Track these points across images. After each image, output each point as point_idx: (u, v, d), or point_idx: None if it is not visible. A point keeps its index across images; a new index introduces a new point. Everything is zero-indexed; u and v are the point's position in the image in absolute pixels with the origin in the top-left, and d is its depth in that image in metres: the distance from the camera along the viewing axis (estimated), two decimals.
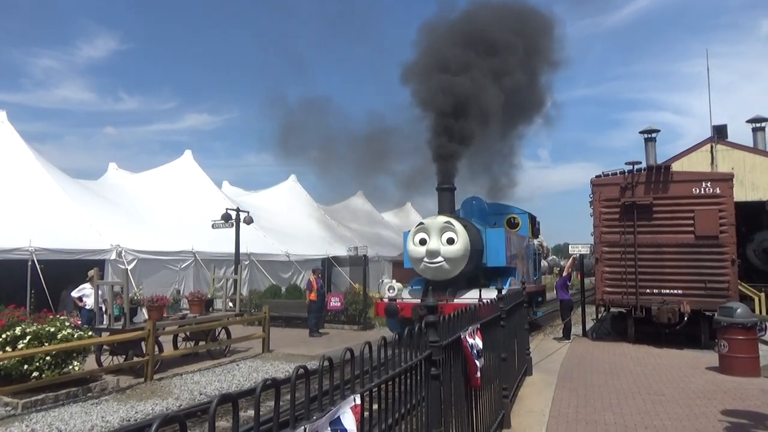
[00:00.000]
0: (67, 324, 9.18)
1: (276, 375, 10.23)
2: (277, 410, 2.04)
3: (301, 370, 2.29)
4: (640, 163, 13.58)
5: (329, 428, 2.27)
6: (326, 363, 2.42)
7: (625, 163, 14.03)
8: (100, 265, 14.93)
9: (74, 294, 12.24)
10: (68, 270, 14.87)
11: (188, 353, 11.66)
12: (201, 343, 11.99)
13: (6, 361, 8.21)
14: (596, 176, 13.66)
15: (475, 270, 12.03)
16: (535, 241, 17.32)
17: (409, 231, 12.11)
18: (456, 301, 10.87)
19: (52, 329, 8.81)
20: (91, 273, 11.81)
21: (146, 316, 11.18)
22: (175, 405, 8.20)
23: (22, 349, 8.31)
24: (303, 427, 2.12)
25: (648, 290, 12.50)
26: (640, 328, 12.69)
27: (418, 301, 11.24)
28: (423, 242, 11.34)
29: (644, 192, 12.80)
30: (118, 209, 19.96)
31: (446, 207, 12.06)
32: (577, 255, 15.70)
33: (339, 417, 2.36)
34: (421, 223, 11.69)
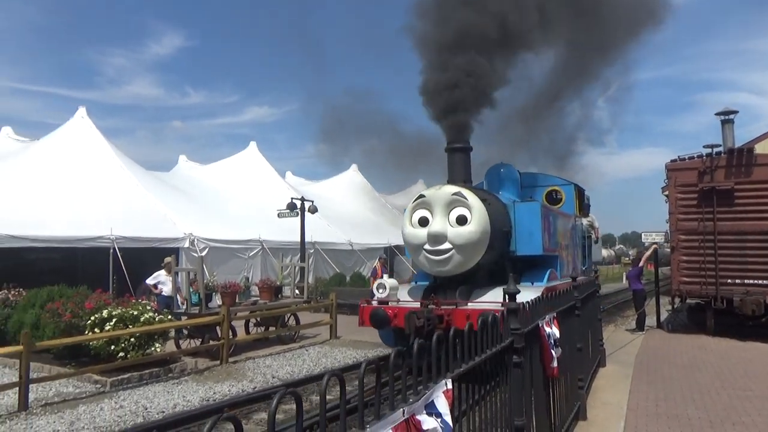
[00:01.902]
0: (148, 308, 9.66)
1: (345, 361, 10.41)
2: (379, 391, 2.06)
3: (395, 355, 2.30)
4: (719, 146, 12.73)
5: (425, 411, 2.28)
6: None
7: (703, 147, 12.73)
8: (175, 253, 15.59)
9: (149, 281, 12.89)
10: (145, 257, 15.62)
11: (259, 338, 12.03)
12: (271, 328, 12.34)
13: (95, 342, 8.75)
14: (671, 161, 13.02)
15: (500, 260, 8.48)
16: (584, 221, 12.82)
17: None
18: (470, 305, 7.62)
19: (136, 312, 9.29)
20: (167, 260, 12.35)
21: (220, 302, 11.61)
22: (250, 387, 8.49)
23: (109, 330, 8.82)
24: (402, 409, 2.15)
25: (729, 280, 11.82)
26: (720, 319, 12.05)
27: (417, 305, 8.04)
28: (424, 222, 7.94)
29: (725, 176, 12.09)
30: (190, 199, 20.77)
31: (459, 174, 8.53)
32: (648, 243, 15.08)
33: (433, 401, 2.37)
34: (422, 196, 8.10)
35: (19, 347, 7.54)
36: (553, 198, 11.50)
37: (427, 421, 2.22)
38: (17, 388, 7.40)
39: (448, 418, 2.35)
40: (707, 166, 12.22)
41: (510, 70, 9.94)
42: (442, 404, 2.40)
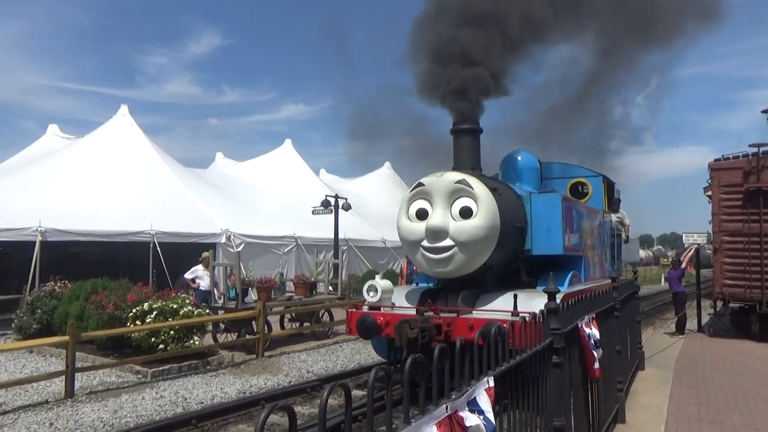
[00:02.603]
0: (187, 302, 9.89)
1: (377, 357, 10.45)
2: (424, 385, 2.08)
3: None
4: (766, 145, 12.27)
5: (467, 408, 2.28)
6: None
7: (749, 146, 12.27)
8: (212, 248, 15.90)
9: (187, 276, 13.18)
10: (183, 252, 15.98)
11: (294, 333, 12.18)
12: (306, 324, 12.48)
13: (137, 334, 9.00)
14: (715, 160, 12.63)
15: (513, 261, 7.35)
16: (613, 217, 11.41)
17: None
18: (474, 314, 6.68)
19: (175, 306, 9.52)
20: (205, 255, 12.61)
21: (255, 297, 11.80)
22: (285, 381, 8.61)
23: (149, 323, 9.06)
24: (444, 405, 2.15)
25: None
26: (766, 324, 11.66)
27: (414, 311, 7.01)
28: (422, 215, 6.85)
29: None
30: (227, 196, 21.14)
31: (465, 159, 7.42)
32: (689, 244, 14.67)
33: (475, 398, 2.37)
34: (420, 184, 6.99)
35: (66, 337, 7.81)
36: (578, 191, 10.26)
37: (470, 418, 2.22)
38: (64, 377, 7.67)
39: (491, 416, 2.35)
40: (753, 166, 11.81)
41: (533, 56, 9.01)
42: (485, 402, 2.40)
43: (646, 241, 75.83)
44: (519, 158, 9.16)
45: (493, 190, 6.80)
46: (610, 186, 11.01)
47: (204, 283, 12.19)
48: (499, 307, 6.58)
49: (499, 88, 8.13)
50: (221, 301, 11.36)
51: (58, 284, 11.98)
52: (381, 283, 7.38)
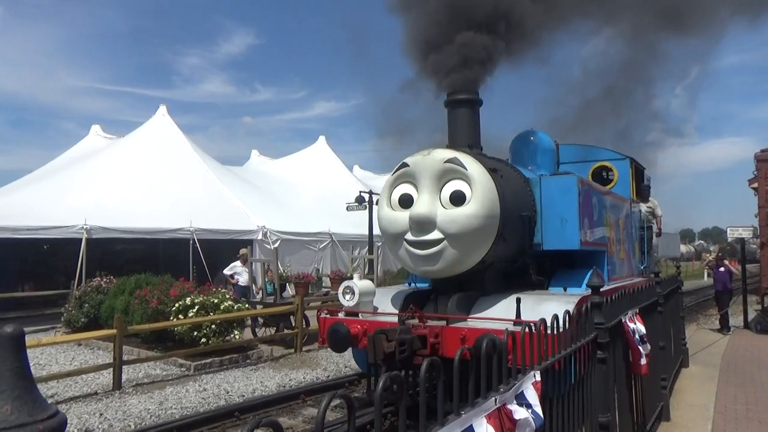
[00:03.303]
0: (227, 297, 10.10)
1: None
2: (477, 379, 2.09)
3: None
4: None
5: (515, 401, 2.29)
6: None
7: None
8: (249, 244, 16.18)
9: (226, 272, 13.43)
10: (221, 248, 16.31)
11: None
12: None
13: (180, 328, 9.25)
14: (761, 151, 12.22)
15: (518, 257, 6.20)
16: (643, 207, 9.99)
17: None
18: (470, 322, 5.41)
19: (216, 301, 9.73)
20: (243, 251, 12.84)
21: (293, 292, 11.97)
22: (324, 375, 8.72)
23: (192, 317, 9.29)
24: (493, 398, 2.17)
25: None
26: None
27: (393, 319, 5.74)
28: (407, 202, 5.61)
29: None
30: (262, 193, 21.46)
31: (461, 136, 6.16)
32: (733, 238, 14.22)
33: (523, 391, 2.37)
34: (404, 164, 5.74)
35: (113, 331, 8.08)
36: (602, 177, 9.06)
37: (519, 411, 2.23)
38: (112, 369, 7.95)
39: (539, 409, 2.35)
40: None
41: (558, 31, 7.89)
42: (532, 395, 2.40)
43: (686, 236, 73.79)
44: (531, 138, 7.80)
45: (492, 170, 5.50)
46: (638, 171, 9.81)
47: (242, 279, 12.42)
48: (500, 313, 5.36)
49: (507, 56, 6.96)
50: (259, 297, 11.56)
51: (104, 280, 12.38)
52: (359, 283, 6.10)
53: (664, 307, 6.63)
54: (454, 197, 5.38)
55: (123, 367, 8.11)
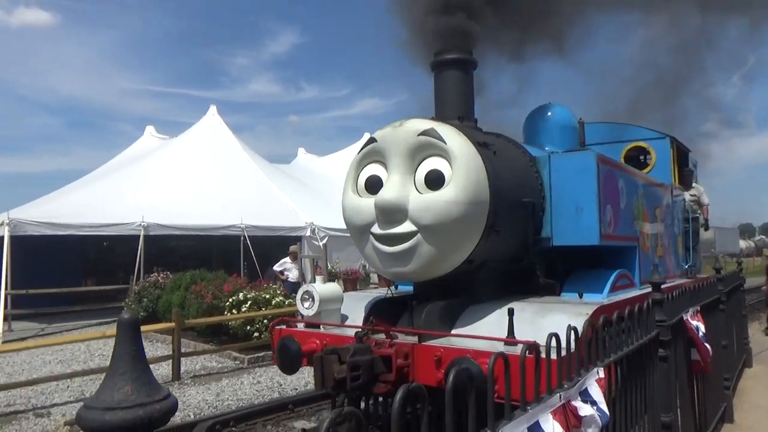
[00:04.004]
0: (278, 292, 10.33)
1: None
2: (539, 374, 2.09)
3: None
4: None
5: (579, 398, 2.27)
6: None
7: None
8: (298, 241, 16.46)
9: (276, 268, 13.69)
10: (271, 245, 16.66)
11: None
12: None
13: (234, 322, 9.52)
14: None
15: (521, 255, 4.91)
16: (687, 195, 8.51)
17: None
18: (450, 340, 4.17)
19: (267, 296, 9.97)
20: (293, 248, 13.09)
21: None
22: None
23: (245, 312, 9.55)
24: (558, 394, 2.16)
25: None
26: None
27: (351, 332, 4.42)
28: (375, 187, 4.48)
29: None
30: (310, 190, 21.79)
31: (451, 107, 5.02)
32: None
33: (587, 388, 2.36)
34: (372, 140, 4.65)
35: (172, 324, 8.39)
36: (637, 160, 7.80)
37: (584, 408, 2.21)
38: (171, 361, 8.26)
39: (604, 407, 2.33)
40: None
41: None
42: (596, 392, 2.38)
43: (746, 231, 70.59)
44: (548, 114, 6.43)
45: (480, 145, 4.34)
46: (681, 152, 8.35)
47: (292, 275, 12.66)
48: (492, 326, 4.04)
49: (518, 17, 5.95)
50: None
51: (161, 275, 12.85)
52: (321, 288, 4.87)
53: (726, 305, 6.40)
54: (430, 179, 4.18)
55: (181, 359, 8.41)
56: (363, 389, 3.99)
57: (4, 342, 11.30)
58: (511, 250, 4.78)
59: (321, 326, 4.79)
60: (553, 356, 2.29)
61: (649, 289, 4.95)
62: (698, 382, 4.92)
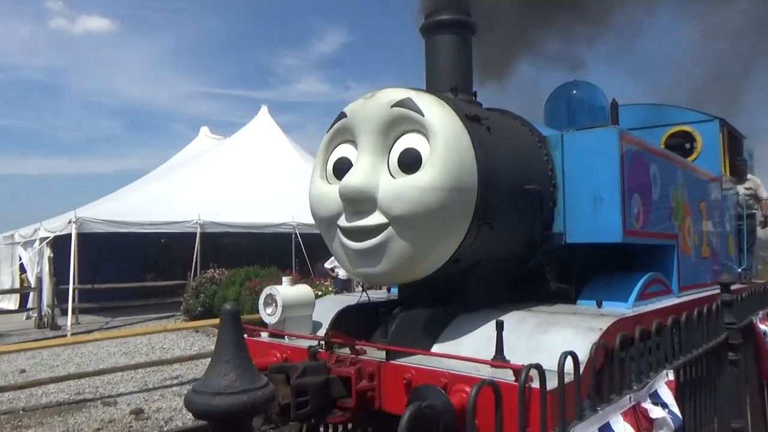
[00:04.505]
0: (330, 289, 10.49)
1: None
2: (607, 375, 2.07)
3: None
4: None
5: (649, 400, 2.23)
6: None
7: None
8: None
9: (327, 265, 13.86)
10: (321, 242, 16.84)
11: None
12: None
13: None
14: None
15: (527, 254, 4.19)
16: (741, 189, 7.60)
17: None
18: (426, 359, 3.21)
19: (320, 293, 10.13)
20: None
21: None
22: None
23: None
24: (628, 396, 2.13)
25: None
26: None
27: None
28: (344, 170, 3.58)
29: None
30: None
31: (443, 76, 4.29)
32: None
33: (656, 390, 2.31)
34: (342, 115, 3.80)
35: None
36: (681, 147, 6.73)
37: (655, 410, 2.17)
38: None
39: (676, 409, 2.28)
40: None
41: None
42: (666, 394, 2.33)
43: None
44: (573, 92, 5.61)
45: (470, 119, 3.58)
46: (733, 138, 7.28)
47: (342, 272, 12.81)
48: (482, 341, 3.30)
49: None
50: (359, 289, 11.88)
51: (216, 271, 13.26)
52: (285, 292, 4.20)
53: None
54: (405, 160, 3.45)
55: None
56: (320, 416, 3.26)
57: (73, 334, 11.95)
58: (513, 248, 4.08)
59: (285, 336, 4.03)
60: (552, 384, 1.95)
61: (690, 297, 4.76)
62: (766, 388, 4.72)
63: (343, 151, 3.79)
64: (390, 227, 3.34)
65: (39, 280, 15.08)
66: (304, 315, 4.19)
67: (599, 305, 3.90)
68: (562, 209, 4.22)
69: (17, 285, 17.23)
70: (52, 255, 14.59)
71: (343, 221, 3.56)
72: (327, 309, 4.21)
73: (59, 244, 14.55)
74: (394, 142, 3.52)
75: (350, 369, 3.22)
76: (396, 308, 3.94)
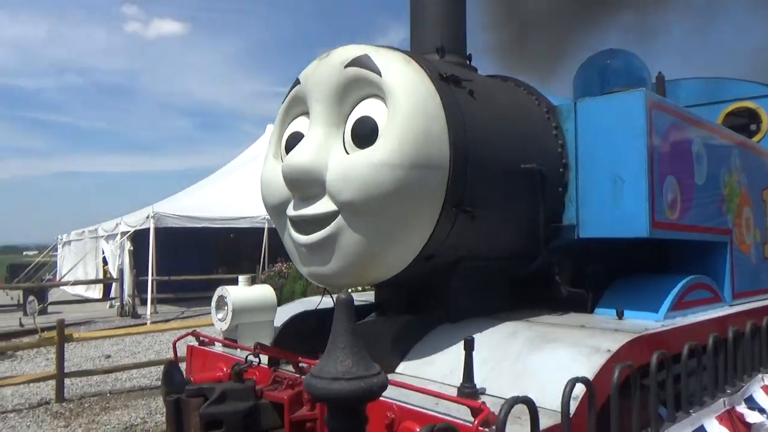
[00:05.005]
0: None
1: None
2: (700, 378, 2.02)
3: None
4: None
5: (744, 404, 2.16)
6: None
7: None
8: None
9: None
10: None
11: None
12: None
13: None
14: None
15: (528, 251, 3.36)
16: None
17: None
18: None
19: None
20: None
21: None
22: None
23: None
24: (722, 399, 2.07)
25: None
26: None
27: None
28: (293, 142, 2.99)
29: None
30: None
31: (429, 33, 3.47)
32: None
33: (752, 395, 2.23)
34: (296, 82, 3.11)
35: None
36: (743, 128, 5.57)
37: (751, 415, 2.09)
38: None
39: None
40: None
41: None
42: (763, 399, 2.24)
43: None
44: (608, 62, 4.66)
45: (444, 80, 2.89)
46: None
47: None
48: (460, 359, 2.41)
49: None
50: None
51: (284, 265, 13.64)
52: (237, 294, 3.53)
53: None
54: (359, 131, 2.79)
55: None
56: None
57: (152, 322, 12.63)
58: (508, 243, 3.31)
59: (237, 344, 3.44)
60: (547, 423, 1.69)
61: (747, 306, 3.87)
62: None
63: (299, 124, 3.15)
64: (340, 216, 2.71)
65: (120, 271, 16.03)
66: (262, 321, 3.44)
67: (620, 316, 3.14)
68: (575, 195, 3.41)
69: (101, 276, 18.39)
70: (132, 248, 15.47)
71: (290, 209, 2.94)
72: (294, 313, 3.66)
73: (138, 238, 15.41)
74: (351, 111, 2.87)
75: (285, 393, 2.60)
76: (371, 314, 3.44)
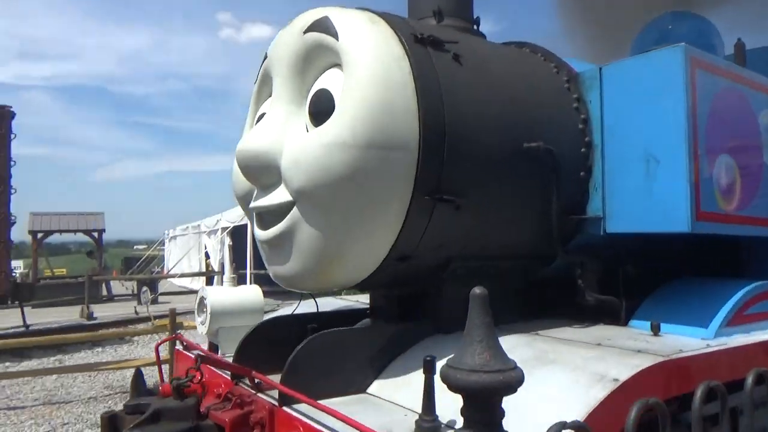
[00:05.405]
0: None
1: None
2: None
3: None
4: None
5: None
6: None
7: None
8: None
9: None
10: None
11: None
12: None
13: None
14: None
15: (539, 250, 2.83)
16: None
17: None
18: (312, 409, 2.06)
19: None
20: None
21: None
22: None
23: None
24: None
25: None
26: None
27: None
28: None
29: None
30: None
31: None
32: None
33: None
34: (264, 57, 2.76)
35: None
36: None
37: None
38: None
39: None
40: None
41: None
42: None
43: None
44: (670, 27, 4.06)
45: (418, 42, 2.40)
46: None
47: None
48: (437, 384, 1.75)
49: None
50: None
51: None
52: (216, 296, 3.34)
53: None
54: (316, 107, 2.42)
55: None
56: None
57: None
58: (512, 239, 2.78)
59: (220, 350, 3.27)
60: None
61: None
62: None
63: (268, 105, 2.74)
64: (296, 207, 2.35)
65: (221, 265, 17.32)
66: (245, 326, 3.03)
67: (655, 331, 2.56)
68: (600, 181, 2.76)
69: (203, 269, 19.82)
70: (231, 243, 16.66)
71: (252, 201, 2.60)
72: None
73: (237, 233, 16.57)
74: (314, 82, 2.48)
75: (229, 414, 2.24)
76: (364, 320, 3.09)
